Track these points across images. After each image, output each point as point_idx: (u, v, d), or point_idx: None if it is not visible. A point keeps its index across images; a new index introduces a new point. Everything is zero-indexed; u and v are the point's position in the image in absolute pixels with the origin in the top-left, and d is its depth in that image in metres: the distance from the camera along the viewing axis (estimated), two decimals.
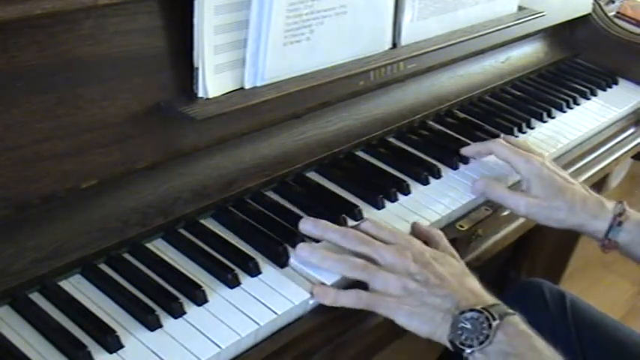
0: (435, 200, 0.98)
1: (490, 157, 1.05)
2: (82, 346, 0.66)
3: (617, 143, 1.30)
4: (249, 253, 0.81)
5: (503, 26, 1.22)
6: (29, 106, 0.70)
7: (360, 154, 1.06)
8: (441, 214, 0.95)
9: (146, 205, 0.81)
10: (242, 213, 0.87)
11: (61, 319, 0.69)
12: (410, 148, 1.09)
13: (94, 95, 0.74)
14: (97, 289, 0.73)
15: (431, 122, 1.18)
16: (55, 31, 0.70)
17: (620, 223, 0.94)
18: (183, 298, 0.73)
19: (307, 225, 0.82)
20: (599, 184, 1.54)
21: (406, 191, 0.98)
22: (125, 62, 0.76)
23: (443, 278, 0.77)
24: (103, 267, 0.76)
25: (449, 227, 0.96)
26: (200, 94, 0.82)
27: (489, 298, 0.77)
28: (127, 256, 0.78)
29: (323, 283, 0.78)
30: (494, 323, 0.72)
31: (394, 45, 1.06)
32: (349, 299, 0.76)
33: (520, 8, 1.28)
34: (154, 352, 0.67)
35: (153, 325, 0.70)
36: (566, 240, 1.70)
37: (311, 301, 0.77)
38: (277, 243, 0.82)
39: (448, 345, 0.74)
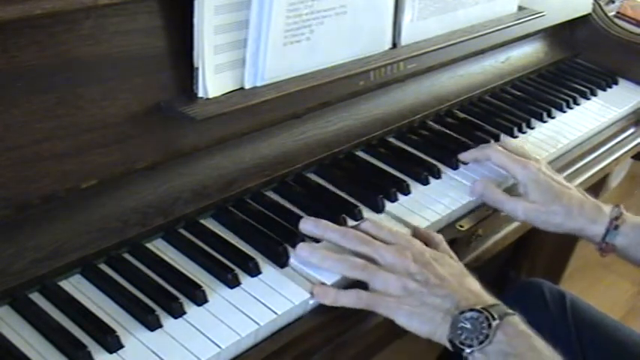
0: (435, 200, 0.98)
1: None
2: (82, 346, 0.66)
3: (617, 143, 1.30)
4: (249, 253, 0.81)
5: (503, 26, 1.22)
6: (29, 106, 0.70)
7: (360, 154, 1.06)
8: (441, 214, 0.95)
9: (146, 205, 0.81)
10: (242, 213, 0.87)
11: (61, 319, 0.69)
12: (410, 148, 1.09)
13: (94, 95, 0.74)
14: (97, 289, 0.73)
15: (431, 122, 1.18)
16: (55, 31, 0.70)
17: (616, 227, 0.95)
18: (183, 298, 0.73)
19: (307, 225, 0.82)
20: (599, 185, 1.54)
21: (406, 191, 0.98)
22: (125, 62, 0.76)
23: (443, 278, 0.77)
24: (103, 267, 0.76)
25: (449, 227, 0.96)
26: (200, 94, 0.82)
27: (489, 298, 0.77)
28: (127, 256, 0.78)
29: (323, 283, 0.78)
30: (494, 323, 0.72)
31: (394, 45, 1.06)
32: (349, 299, 0.76)
33: (520, 8, 1.28)
34: (153, 352, 0.67)
35: (153, 325, 0.70)
36: (565, 240, 1.70)
37: (311, 301, 0.77)
38: (277, 243, 0.82)
39: (448, 345, 0.74)
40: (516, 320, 0.74)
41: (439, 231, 0.94)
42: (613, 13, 1.64)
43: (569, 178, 1.14)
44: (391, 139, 1.11)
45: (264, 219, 0.87)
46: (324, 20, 0.92)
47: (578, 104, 1.35)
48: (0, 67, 0.67)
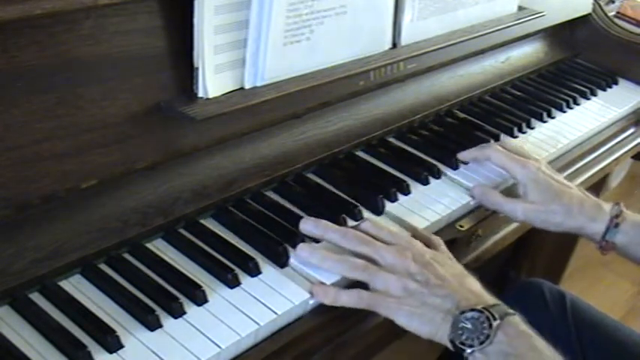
0: (435, 200, 0.98)
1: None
2: (82, 346, 0.66)
3: (617, 143, 1.30)
4: (249, 253, 0.81)
5: (503, 26, 1.22)
6: (29, 106, 0.70)
7: (360, 154, 1.06)
8: (441, 214, 0.95)
9: (146, 205, 0.81)
10: (242, 213, 0.87)
11: (61, 319, 0.69)
12: (410, 148, 1.09)
13: (94, 95, 0.74)
14: (97, 289, 0.73)
15: (431, 122, 1.18)
16: (55, 31, 0.70)
17: (617, 225, 0.95)
18: (183, 298, 0.73)
19: (308, 225, 0.82)
20: (599, 184, 1.54)
21: (406, 191, 0.98)
22: (125, 62, 0.76)
23: (443, 278, 0.77)
24: (103, 267, 0.76)
25: (449, 227, 0.96)
26: (200, 94, 0.82)
27: (490, 299, 0.77)
28: (127, 256, 0.78)
29: (323, 284, 0.78)
30: (495, 323, 0.72)
31: (394, 45, 1.06)
32: (350, 298, 0.76)
33: (520, 8, 1.28)
34: (154, 352, 0.67)
35: (153, 325, 0.70)
36: (566, 240, 1.70)
37: (311, 301, 0.77)
38: (277, 243, 0.82)
39: (448, 345, 0.74)
40: (517, 320, 0.74)
41: (439, 231, 0.94)
42: (613, 13, 1.65)
43: (570, 178, 1.14)
44: (391, 139, 1.11)
45: (264, 219, 0.87)
46: (324, 20, 0.92)
47: (578, 104, 1.35)
48: (0, 67, 0.67)
